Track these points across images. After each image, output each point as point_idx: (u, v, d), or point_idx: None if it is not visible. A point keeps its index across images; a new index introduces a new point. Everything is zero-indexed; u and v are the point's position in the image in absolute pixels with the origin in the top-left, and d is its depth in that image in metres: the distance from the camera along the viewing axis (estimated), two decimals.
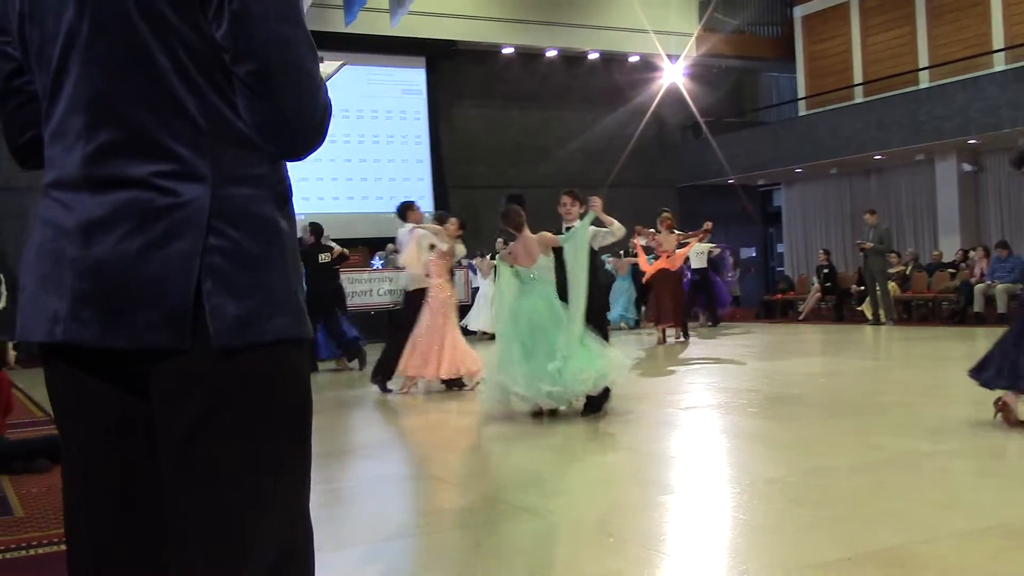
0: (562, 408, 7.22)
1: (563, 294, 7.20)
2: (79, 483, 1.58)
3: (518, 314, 7.24)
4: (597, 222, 7.48)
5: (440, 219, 9.74)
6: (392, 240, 17.29)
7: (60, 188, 1.52)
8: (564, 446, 6.27)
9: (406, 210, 9.61)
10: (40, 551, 3.96)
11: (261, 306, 1.48)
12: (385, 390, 9.28)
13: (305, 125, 1.50)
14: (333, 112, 1.57)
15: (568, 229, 7.62)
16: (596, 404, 7.27)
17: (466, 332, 12.18)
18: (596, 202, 7.56)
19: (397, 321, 10.24)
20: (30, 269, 1.55)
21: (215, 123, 1.48)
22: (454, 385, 9.20)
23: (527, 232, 7.46)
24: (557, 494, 4.81)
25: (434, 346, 8.89)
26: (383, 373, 9.30)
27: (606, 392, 7.20)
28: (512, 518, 4.40)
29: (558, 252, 7.45)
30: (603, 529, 3.95)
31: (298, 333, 1.54)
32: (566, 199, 7.88)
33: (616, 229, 7.65)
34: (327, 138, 1.58)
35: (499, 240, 14.10)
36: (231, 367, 1.46)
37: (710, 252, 16.68)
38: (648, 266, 14.32)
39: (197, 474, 1.47)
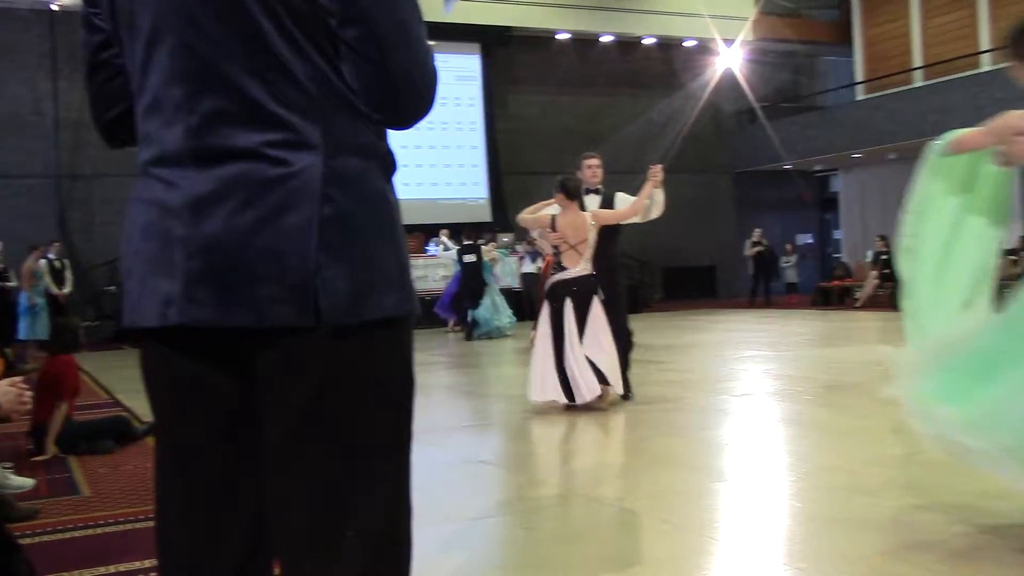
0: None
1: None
2: (178, 467, 1.53)
3: None
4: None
5: None
6: (444, 226, 17.41)
7: (161, 165, 1.45)
8: (617, 432, 6.28)
9: None
10: (107, 530, 4.06)
11: (372, 281, 1.42)
12: None
13: (414, 90, 1.45)
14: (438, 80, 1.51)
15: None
16: None
17: None
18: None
19: None
20: (136, 253, 1.48)
21: (324, 89, 1.42)
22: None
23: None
24: (611, 480, 4.83)
25: None
26: None
27: None
28: (566, 503, 4.42)
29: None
30: (657, 515, 3.96)
31: (408, 310, 1.49)
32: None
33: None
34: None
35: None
36: (342, 345, 1.41)
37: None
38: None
39: (307, 451, 1.43)
